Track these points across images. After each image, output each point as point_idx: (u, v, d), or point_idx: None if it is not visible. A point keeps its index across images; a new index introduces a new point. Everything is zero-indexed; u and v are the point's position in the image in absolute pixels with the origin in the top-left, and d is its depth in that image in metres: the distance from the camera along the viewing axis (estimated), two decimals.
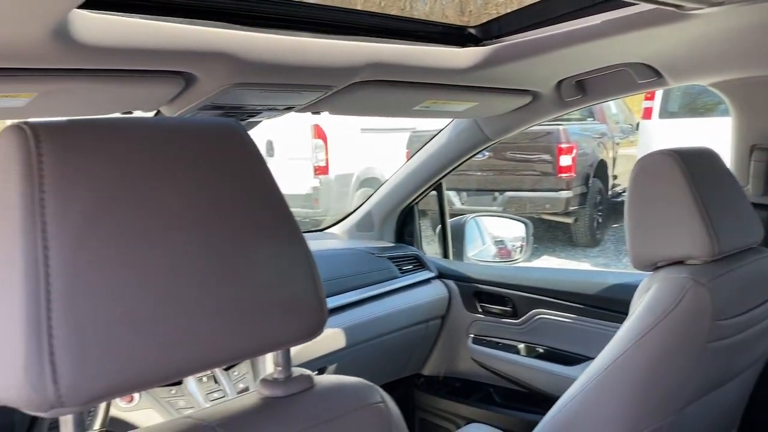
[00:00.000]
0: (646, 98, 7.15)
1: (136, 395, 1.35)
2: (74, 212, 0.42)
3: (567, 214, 6.47)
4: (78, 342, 0.40)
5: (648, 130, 7.12)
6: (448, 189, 2.22)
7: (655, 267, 1.02)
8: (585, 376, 1.00)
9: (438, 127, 1.91)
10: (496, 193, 6.40)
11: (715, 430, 1.12)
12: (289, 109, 1.25)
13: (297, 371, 0.56)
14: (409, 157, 2.02)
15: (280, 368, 0.55)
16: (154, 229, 0.45)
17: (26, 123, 0.44)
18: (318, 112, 1.35)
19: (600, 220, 6.76)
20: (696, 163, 1.00)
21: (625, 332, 0.97)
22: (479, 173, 6.34)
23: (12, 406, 0.41)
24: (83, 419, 0.44)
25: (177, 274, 0.45)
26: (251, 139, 0.54)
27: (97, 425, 1.06)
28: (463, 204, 6.46)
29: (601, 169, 6.90)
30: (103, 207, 0.43)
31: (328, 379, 0.59)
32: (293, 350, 0.58)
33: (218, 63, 0.97)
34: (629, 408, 0.93)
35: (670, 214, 0.98)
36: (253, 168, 0.52)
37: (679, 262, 1.00)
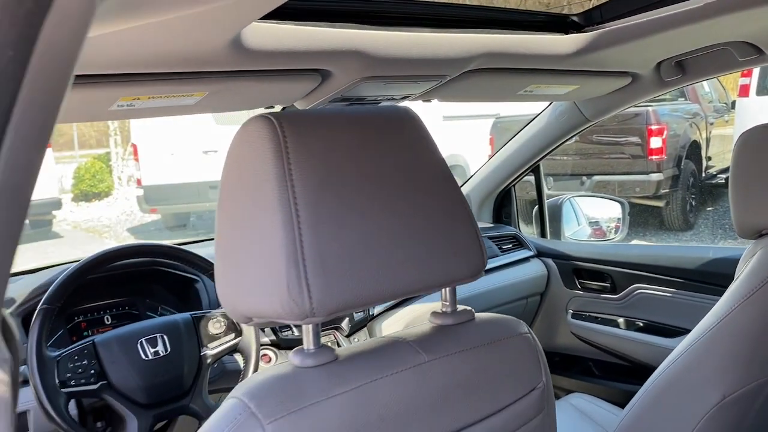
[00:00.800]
0: (743, 75, 6.88)
1: (273, 356, 1.52)
2: (312, 179, 0.56)
3: (658, 197, 6.33)
4: (323, 269, 0.54)
5: (745, 108, 6.85)
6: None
7: (760, 234, 1.08)
8: (688, 339, 1.08)
9: (523, 111, 1.99)
10: (584, 178, 6.35)
11: None
12: (405, 98, 1.38)
13: (460, 307, 0.69)
14: (494, 143, 2.11)
15: (447, 303, 0.68)
16: (362, 190, 0.59)
17: (271, 114, 0.58)
18: (429, 100, 1.47)
19: (693, 203, 6.57)
20: None
21: (730, 294, 1.04)
22: (566, 158, 6.31)
23: (276, 320, 0.55)
24: (318, 330, 0.58)
25: (378, 223, 0.59)
26: (421, 120, 0.66)
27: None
28: (549, 189, 6.44)
29: (693, 150, 6.70)
30: (329, 174, 0.57)
31: (485, 315, 0.71)
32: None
33: (351, 60, 1.11)
34: (734, 364, 1.00)
35: None
36: (424, 143, 0.65)
37: None
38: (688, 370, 1.06)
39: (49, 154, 11.25)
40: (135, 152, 10.17)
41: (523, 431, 0.65)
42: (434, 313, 0.68)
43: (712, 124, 7.43)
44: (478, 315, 0.70)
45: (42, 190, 10.69)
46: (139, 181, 9.90)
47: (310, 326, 0.56)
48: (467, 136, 6.95)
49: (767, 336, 0.99)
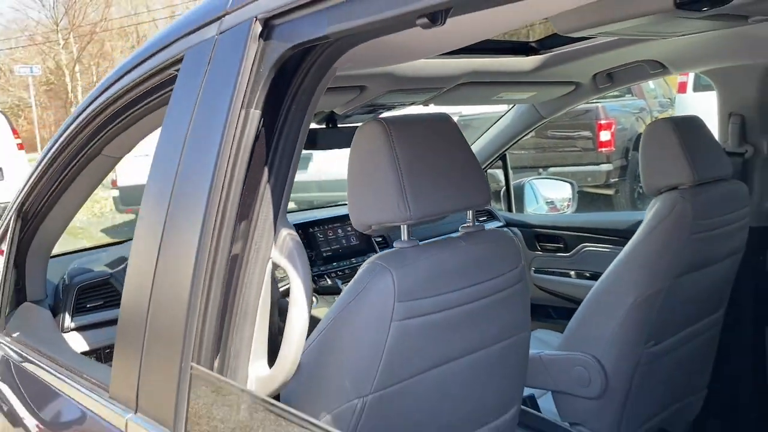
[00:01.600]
0: (682, 74, 7.59)
1: (314, 300, 2.01)
2: (414, 170, 1.04)
3: (608, 186, 6.97)
4: (414, 195, 1.02)
5: (683, 103, 7.58)
6: (494, 168, 2.85)
7: (659, 192, 1.61)
8: (611, 266, 1.61)
9: (482, 111, 2.50)
10: (540, 170, 6.94)
11: (707, 304, 1.72)
12: (413, 103, 1.88)
13: (475, 225, 1.19)
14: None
15: (469, 220, 1.18)
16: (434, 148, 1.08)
17: (381, 119, 1.07)
18: (427, 105, 1.98)
19: (640, 191, 7.22)
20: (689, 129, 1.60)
21: (638, 230, 1.58)
22: (524, 152, 6.91)
23: (387, 223, 1.03)
24: (411, 228, 1.07)
25: (444, 165, 1.08)
26: (455, 122, 1.16)
27: None
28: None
29: (640, 142, 7.33)
30: (422, 165, 1.05)
31: (489, 227, 1.22)
32: None
33: (384, 79, 1.61)
34: (640, 277, 1.54)
35: (662, 156, 1.57)
36: (459, 140, 1.14)
37: (674, 188, 1.60)
38: (612, 283, 1.60)
39: (22, 156, 11.28)
40: None
41: (510, 291, 1.15)
42: (464, 226, 1.18)
43: (656, 117, 8.11)
44: (486, 227, 1.20)
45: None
46: (114, 183, 10.08)
47: (406, 225, 1.05)
48: None
49: (661, 258, 1.53)
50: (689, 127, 1.61)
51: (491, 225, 2.58)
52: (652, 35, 1.45)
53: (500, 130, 2.54)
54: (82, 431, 1.17)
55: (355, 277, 1.02)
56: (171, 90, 1.01)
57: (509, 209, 2.79)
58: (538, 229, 2.56)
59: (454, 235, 1.17)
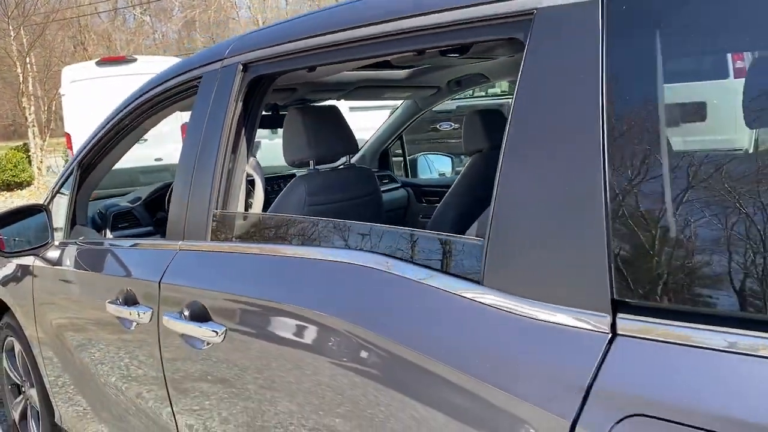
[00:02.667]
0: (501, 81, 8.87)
1: None
2: (316, 131, 2.09)
3: None
4: (316, 141, 2.07)
5: None
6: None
7: (471, 153, 2.70)
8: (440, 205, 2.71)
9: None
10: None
11: None
12: (329, 99, 2.94)
13: (348, 163, 2.23)
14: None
15: (346, 161, 2.24)
16: None
17: (298, 107, 2.10)
18: (339, 100, 3.04)
19: None
20: None
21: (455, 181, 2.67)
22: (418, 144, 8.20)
23: (303, 159, 2.07)
24: (314, 162, 2.11)
25: None
26: (337, 108, 2.21)
27: None
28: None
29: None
30: (321, 129, 2.10)
31: (388, 188, 2.29)
32: None
33: (308, 84, 2.65)
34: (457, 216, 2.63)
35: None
36: (340, 116, 2.19)
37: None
38: (438, 216, 2.68)
39: None
40: (68, 141, 10.93)
41: (366, 199, 2.21)
42: (344, 164, 2.24)
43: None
44: (386, 187, 2.25)
45: None
46: None
47: (312, 160, 2.10)
48: (368, 122, 8.62)
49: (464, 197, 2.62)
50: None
51: (391, 185, 3.65)
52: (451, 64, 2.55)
53: (395, 117, 3.62)
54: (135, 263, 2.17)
55: (289, 183, 2.08)
56: (194, 93, 2.02)
57: (406, 176, 3.88)
58: (425, 188, 3.66)
59: (341, 167, 2.24)
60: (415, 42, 1.28)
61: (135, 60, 10.72)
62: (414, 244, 1.25)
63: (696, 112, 1.09)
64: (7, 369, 2.99)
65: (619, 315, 0.85)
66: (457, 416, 0.98)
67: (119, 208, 2.79)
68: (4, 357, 3.00)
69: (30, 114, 16.69)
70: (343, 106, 2.67)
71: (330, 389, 1.21)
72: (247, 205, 1.91)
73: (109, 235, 2.70)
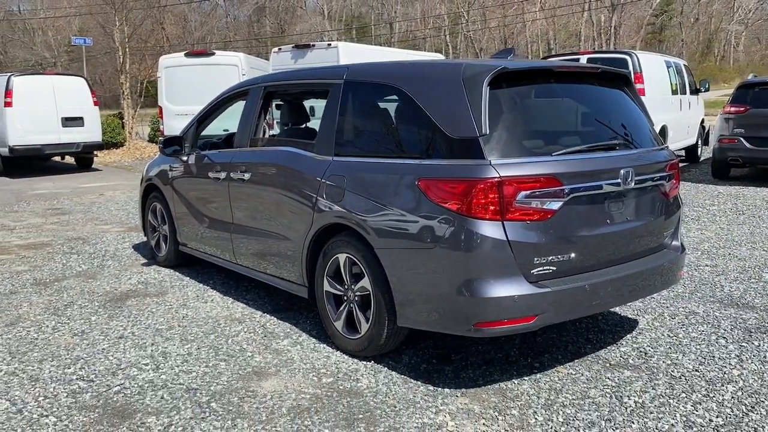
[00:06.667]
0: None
1: None
2: None
3: None
4: None
5: None
6: None
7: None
8: None
9: None
10: None
11: None
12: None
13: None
14: None
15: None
16: None
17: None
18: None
19: None
20: None
21: None
22: None
23: None
24: None
25: None
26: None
27: None
28: None
29: None
30: None
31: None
32: None
33: None
34: None
35: None
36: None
37: None
38: None
39: (96, 110, 15.25)
40: (160, 112, 14.29)
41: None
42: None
43: None
44: None
45: (94, 135, 14.79)
46: (162, 132, 14.02)
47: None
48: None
49: None
50: None
51: None
52: None
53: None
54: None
55: None
56: (244, 97, 5.02)
57: None
58: None
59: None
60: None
61: (213, 54, 14.08)
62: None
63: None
64: (151, 219, 6.15)
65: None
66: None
67: (212, 141, 5.84)
68: (149, 213, 6.16)
69: (126, 89, 20.34)
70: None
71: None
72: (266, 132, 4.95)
73: (208, 152, 5.78)
